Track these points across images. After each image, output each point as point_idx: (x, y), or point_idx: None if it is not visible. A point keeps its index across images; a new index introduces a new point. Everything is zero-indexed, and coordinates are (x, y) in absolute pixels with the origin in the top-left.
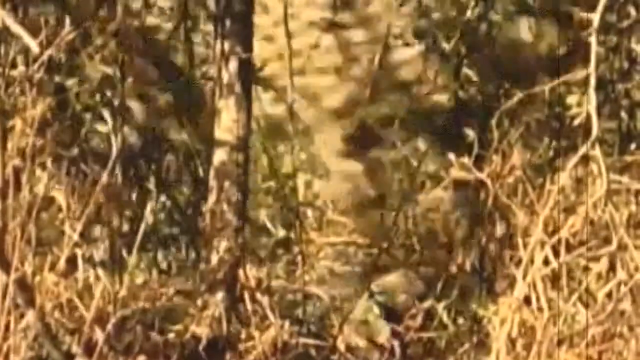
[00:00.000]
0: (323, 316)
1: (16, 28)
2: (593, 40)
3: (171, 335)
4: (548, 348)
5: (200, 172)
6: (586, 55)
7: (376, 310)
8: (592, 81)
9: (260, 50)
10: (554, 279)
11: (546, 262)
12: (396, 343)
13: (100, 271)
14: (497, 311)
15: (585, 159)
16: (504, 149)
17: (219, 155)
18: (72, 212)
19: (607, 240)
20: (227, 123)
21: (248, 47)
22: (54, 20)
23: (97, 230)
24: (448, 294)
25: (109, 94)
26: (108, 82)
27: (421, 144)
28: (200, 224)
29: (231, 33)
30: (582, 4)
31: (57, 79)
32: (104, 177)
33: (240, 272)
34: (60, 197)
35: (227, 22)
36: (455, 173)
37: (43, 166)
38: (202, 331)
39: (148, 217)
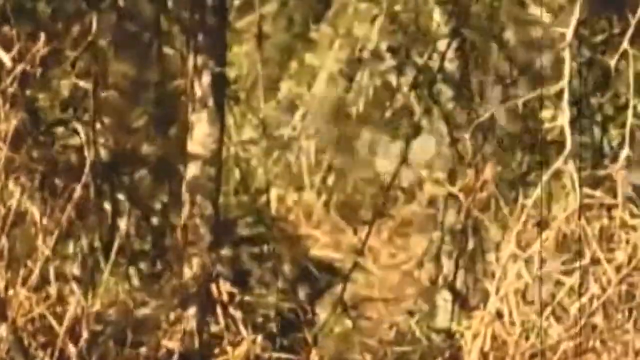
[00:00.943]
0: (296, 330)
1: None
2: (567, 54)
3: (143, 350)
4: None
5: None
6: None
7: (348, 323)
8: (566, 95)
9: None
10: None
11: (519, 276)
12: (369, 357)
13: (73, 285)
14: (469, 325)
15: (559, 174)
16: (477, 164)
17: (192, 169)
18: (44, 227)
19: (579, 254)
20: (199, 137)
21: (221, 61)
22: (25, 34)
23: (70, 245)
24: (421, 308)
25: (81, 107)
26: (81, 95)
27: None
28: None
29: (204, 47)
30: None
31: (29, 92)
32: (77, 191)
33: (213, 286)
34: (33, 211)
35: (200, 36)
36: (429, 188)
37: (16, 180)
38: (175, 345)
39: (121, 231)
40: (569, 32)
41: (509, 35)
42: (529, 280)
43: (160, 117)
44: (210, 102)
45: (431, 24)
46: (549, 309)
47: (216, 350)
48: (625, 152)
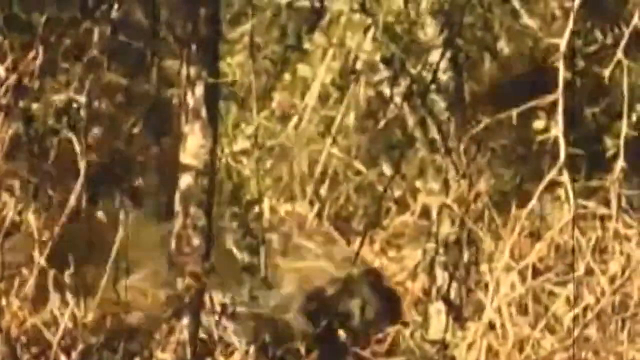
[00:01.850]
0: (288, 341)
1: None
2: (560, 65)
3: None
4: None
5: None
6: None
7: (342, 334)
8: (560, 106)
9: None
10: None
11: (513, 287)
12: None
13: (68, 296)
14: (463, 336)
15: (553, 185)
16: (471, 175)
17: (185, 180)
18: (39, 237)
19: (573, 265)
20: (192, 148)
21: (214, 72)
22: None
23: (65, 255)
24: (415, 319)
25: (75, 118)
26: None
27: (387, 170)
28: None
29: (197, 58)
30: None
31: (23, 103)
32: (72, 201)
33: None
34: (29, 221)
35: (193, 47)
36: (422, 198)
37: (10, 191)
38: (168, 356)
39: (117, 242)
40: (563, 43)
41: (503, 45)
42: (523, 292)
43: (153, 128)
44: (203, 113)
45: (424, 34)
46: (543, 320)
47: None
48: (619, 163)
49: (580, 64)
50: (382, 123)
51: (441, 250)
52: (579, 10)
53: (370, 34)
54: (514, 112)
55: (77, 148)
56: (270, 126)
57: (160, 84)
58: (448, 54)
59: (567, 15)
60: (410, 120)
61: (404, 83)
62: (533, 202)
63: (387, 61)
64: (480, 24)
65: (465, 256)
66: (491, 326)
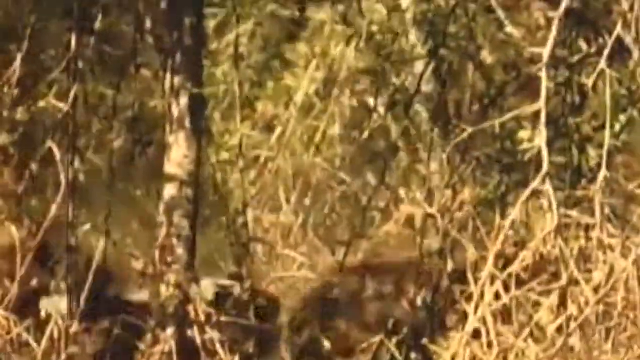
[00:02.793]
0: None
1: None
2: (543, 74)
3: None
4: None
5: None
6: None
7: (327, 344)
8: (543, 116)
9: None
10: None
11: (497, 296)
12: None
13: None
14: (448, 346)
15: (536, 194)
16: (455, 184)
17: (169, 190)
18: (23, 246)
19: (557, 275)
20: (177, 158)
21: (198, 82)
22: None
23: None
24: (399, 329)
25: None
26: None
27: (371, 179)
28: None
29: (182, 68)
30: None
31: (6, 113)
32: (53, 210)
33: (190, 307)
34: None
35: (178, 57)
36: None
37: None
38: None
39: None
40: (546, 52)
41: (486, 55)
42: (507, 301)
43: (137, 138)
44: (188, 123)
45: (408, 44)
46: (527, 330)
47: None
48: (603, 172)
49: (564, 73)
50: (366, 133)
51: (425, 260)
52: (562, 20)
53: (353, 45)
54: (497, 122)
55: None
56: (254, 136)
57: (143, 94)
58: (432, 64)
59: (551, 25)
60: (394, 130)
61: (387, 93)
62: (515, 212)
63: (370, 72)
64: (464, 33)
65: (450, 266)
66: (475, 336)
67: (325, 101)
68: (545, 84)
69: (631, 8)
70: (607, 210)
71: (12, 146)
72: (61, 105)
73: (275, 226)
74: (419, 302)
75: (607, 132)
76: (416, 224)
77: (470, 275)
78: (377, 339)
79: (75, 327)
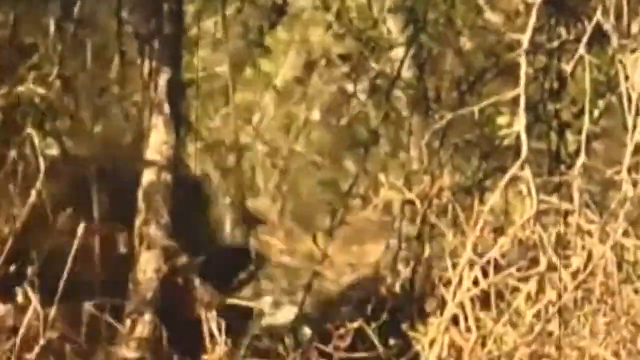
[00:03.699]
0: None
1: None
2: (522, 60)
3: (100, 357)
4: None
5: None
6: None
7: (307, 330)
8: (522, 101)
9: None
10: (483, 300)
11: (475, 282)
12: None
13: (30, 292)
14: (426, 332)
15: (515, 180)
16: (434, 170)
17: (148, 176)
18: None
19: (535, 261)
20: (156, 144)
21: (177, 68)
22: None
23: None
24: (378, 314)
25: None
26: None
27: (350, 165)
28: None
29: (160, 53)
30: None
31: None
32: (32, 198)
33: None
34: None
35: (156, 43)
36: (385, 194)
37: None
38: (131, 353)
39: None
40: (525, 38)
41: (465, 41)
42: (486, 287)
43: (116, 124)
44: (167, 109)
45: (387, 30)
46: (505, 316)
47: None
48: (581, 158)
49: (543, 59)
50: (344, 119)
51: (403, 246)
52: (541, 6)
53: (332, 31)
54: (476, 108)
55: (38, 145)
56: (232, 122)
57: (122, 80)
58: (412, 50)
59: (530, 11)
60: (374, 116)
61: (367, 79)
62: (494, 198)
63: (349, 57)
64: (443, 19)
65: (428, 251)
66: (454, 322)
67: (304, 87)
68: (524, 70)
69: None
70: (585, 196)
71: None
72: (40, 90)
73: (254, 212)
74: (397, 288)
75: (586, 118)
76: (394, 210)
77: (448, 261)
78: (355, 324)
79: (53, 312)
